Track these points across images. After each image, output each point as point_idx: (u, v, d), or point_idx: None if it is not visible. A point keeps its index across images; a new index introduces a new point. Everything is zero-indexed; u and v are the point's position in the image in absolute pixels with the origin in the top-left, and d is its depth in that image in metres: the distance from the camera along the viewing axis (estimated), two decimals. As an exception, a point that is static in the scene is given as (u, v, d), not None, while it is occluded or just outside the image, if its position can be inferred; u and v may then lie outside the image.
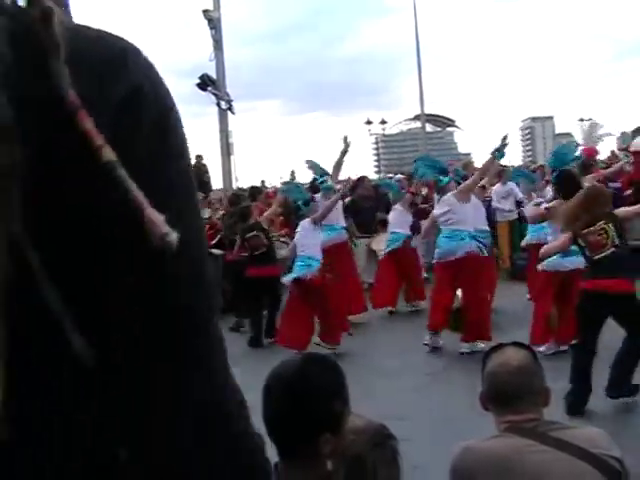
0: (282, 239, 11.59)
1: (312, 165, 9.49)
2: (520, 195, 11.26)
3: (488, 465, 2.14)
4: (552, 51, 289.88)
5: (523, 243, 9.58)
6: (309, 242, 7.98)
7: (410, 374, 6.95)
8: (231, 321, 9.35)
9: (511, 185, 11.24)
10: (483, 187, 9.21)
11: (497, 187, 10.95)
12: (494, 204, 10.99)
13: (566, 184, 6.78)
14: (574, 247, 6.11)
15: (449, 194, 7.67)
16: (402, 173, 15.98)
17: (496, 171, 9.58)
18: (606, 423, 4.68)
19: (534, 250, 9.50)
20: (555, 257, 6.89)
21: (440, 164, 8.65)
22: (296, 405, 1.70)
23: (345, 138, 9.19)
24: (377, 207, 12.24)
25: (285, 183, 9.66)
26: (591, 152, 10.90)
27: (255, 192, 12.12)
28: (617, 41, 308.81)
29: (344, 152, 9.19)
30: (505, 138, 7.88)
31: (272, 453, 1.78)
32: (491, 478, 2.12)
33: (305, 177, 9.77)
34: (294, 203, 8.59)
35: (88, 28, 0.66)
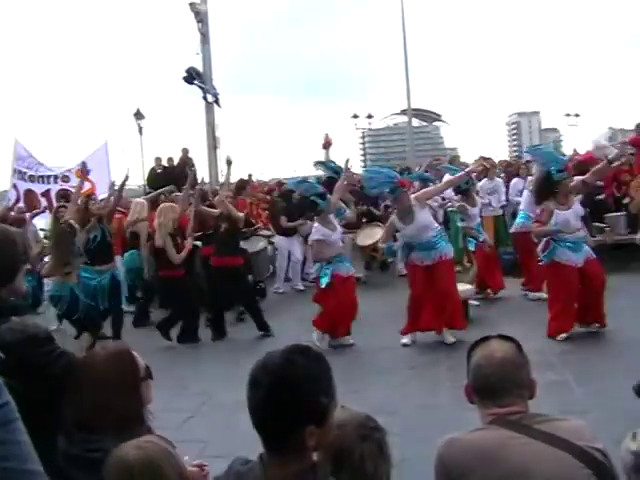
0: (265, 233, 11.61)
1: (323, 165, 9.39)
2: (503, 193, 11.32)
3: (473, 457, 2.14)
4: (539, 46, 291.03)
5: (512, 229, 9.68)
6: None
7: (395, 369, 6.95)
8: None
9: (498, 181, 11.31)
10: None
11: (484, 182, 11.01)
12: (480, 199, 11.00)
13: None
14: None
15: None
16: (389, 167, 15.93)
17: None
18: (598, 415, 4.70)
19: (522, 240, 9.55)
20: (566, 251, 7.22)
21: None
22: (281, 396, 1.69)
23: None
24: (359, 201, 12.22)
25: (299, 182, 9.51)
26: (591, 160, 10.19)
27: (242, 185, 12.13)
28: (604, 36, 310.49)
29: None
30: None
31: (258, 444, 1.78)
32: (476, 470, 2.12)
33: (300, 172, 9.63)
34: (309, 198, 8.31)
35: None
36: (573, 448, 2.08)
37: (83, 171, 9.65)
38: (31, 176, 12.22)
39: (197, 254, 10.12)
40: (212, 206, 9.60)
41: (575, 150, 15.66)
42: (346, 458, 1.91)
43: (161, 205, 9.12)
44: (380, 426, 2.04)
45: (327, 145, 9.35)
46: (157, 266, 8.95)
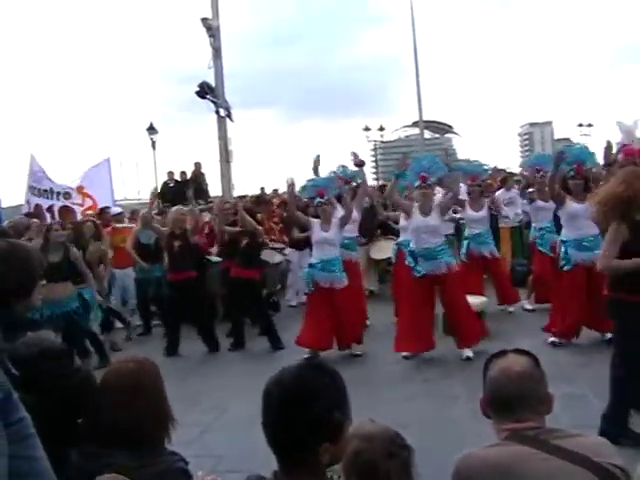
0: (276, 245, 11.60)
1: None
2: (520, 204, 11.19)
3: (489, 473, 2.11)
4: (551, 56, 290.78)
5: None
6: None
7: (407, 382, 6.91)
8: (227, 328, 9.35)
9: (514, 192, 11.17)
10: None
11: (500, 193, 10.87)
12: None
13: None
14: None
15: None
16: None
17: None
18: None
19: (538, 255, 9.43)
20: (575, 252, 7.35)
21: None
22: (293, 411, 1.67)
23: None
24: (375, 214, 12.21)
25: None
26: (633, 153, 9.00)
27: (259, 202, 12.25)
28: (616, 46, 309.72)
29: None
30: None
31: (272, 458, 1.76)
32: (493, 485, 2.09)
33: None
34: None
35: None
36: (591, 464, 2.04)
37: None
38: (38, 190, 12.35)
39: (212, 268, 10.15)
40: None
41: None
42: (372, 471, 1.89)
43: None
44: (409, 445, 2.02)
45: (360, 164, 9.17)
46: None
